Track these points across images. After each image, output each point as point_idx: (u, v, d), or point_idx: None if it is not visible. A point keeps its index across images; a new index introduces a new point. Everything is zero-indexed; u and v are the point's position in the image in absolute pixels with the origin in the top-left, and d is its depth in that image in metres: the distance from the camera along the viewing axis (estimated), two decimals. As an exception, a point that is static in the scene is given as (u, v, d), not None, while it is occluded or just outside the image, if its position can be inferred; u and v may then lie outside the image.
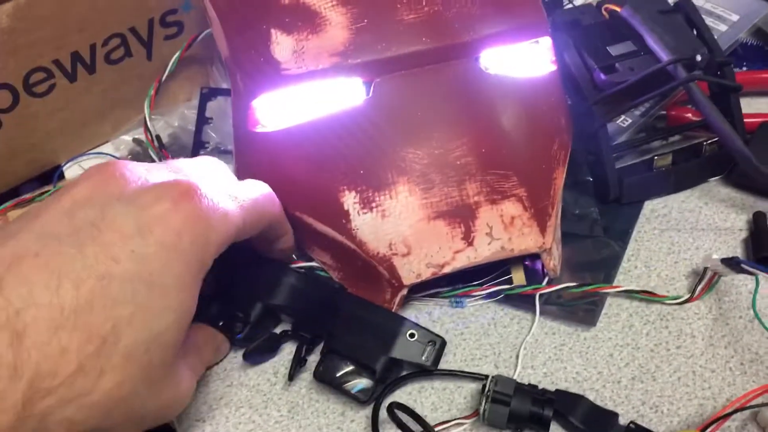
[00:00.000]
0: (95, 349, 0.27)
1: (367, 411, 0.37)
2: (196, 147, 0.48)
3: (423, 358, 0.37)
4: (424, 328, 0.37)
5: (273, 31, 0.40)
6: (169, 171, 0.34)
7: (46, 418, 0.27)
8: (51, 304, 0.27)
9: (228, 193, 0.34)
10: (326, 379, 0.36)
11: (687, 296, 0.41)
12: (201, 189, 0.32)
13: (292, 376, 0.37)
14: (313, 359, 0.38)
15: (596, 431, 0.34)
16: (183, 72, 0.51)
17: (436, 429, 0.35)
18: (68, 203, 0.31)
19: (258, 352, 0.38)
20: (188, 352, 0.34)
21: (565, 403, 0.35)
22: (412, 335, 0.37)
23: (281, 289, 0.39)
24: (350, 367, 0.36)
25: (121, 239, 0.29)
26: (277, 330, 0.40)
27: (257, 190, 0.37)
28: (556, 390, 0.36)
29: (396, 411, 0.35)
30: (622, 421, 0.35)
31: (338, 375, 0.36)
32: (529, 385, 0.36)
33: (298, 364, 0.37)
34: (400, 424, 0.34)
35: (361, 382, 0.36)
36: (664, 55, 0.45)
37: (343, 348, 0.37)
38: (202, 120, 0.48)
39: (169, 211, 0.30)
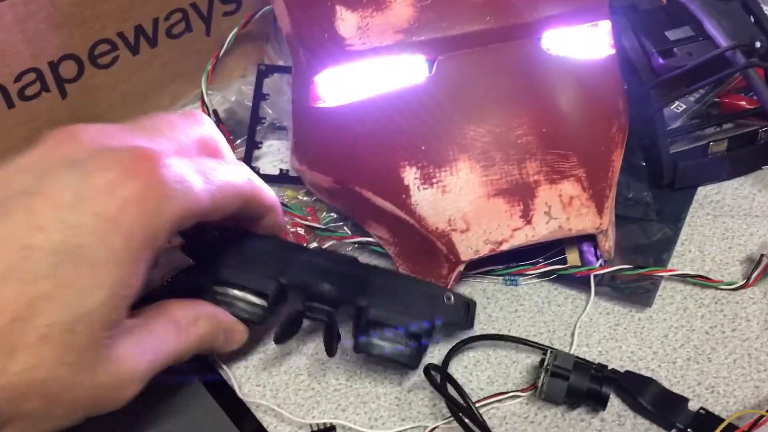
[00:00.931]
0: (6, 324, 0.25)
1: (426, 382, 0.37)
2: (253, 122, 0.49)
3: (463, 318, 0.37)
4: (455, 292, 0.37)
5: (338, 7, 0.40)
6: (139, 135, 0.31)
7: None
8: None
9: (199, 168, 0.31)
10: (368, 351, 0.36)
11: (742, 282, 0.41)
12: (163, 158, 0.29)
13: (333, 352, 0.36)
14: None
15: (666, 414, 0.35)
16: (239, 48, 0.51)
17: (492, 400, 0.36)
18: (10, 171, 0.28)
19: (288, 335, 0.37)
20: (142, 332, 0.31)
21: (634, 384, 0.36)
22: (449, 298, 0.37)
23: (297, 267, 0.36)
24: (390, 337, 0.36)
25: (52, 207, 0.26)
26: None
27: (234, 170, 0.34)
28: (626, 371, 0.37)
29: (432, 372, 0.36)
30: (692, 406, 0.35)
31: (380, 346, 0.35)
32: (598, 364, 0.36)
33: (334, 340, 0.36)
34: (432, 380, 0.35)
35: (405, 350, 0.36)
36: (722, 41, 0.45)
37: (381, 318, 0.35)
38: (259, 96, 0.49)
39: (117, 178, 0.27)
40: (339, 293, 0.36)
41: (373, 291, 0.36)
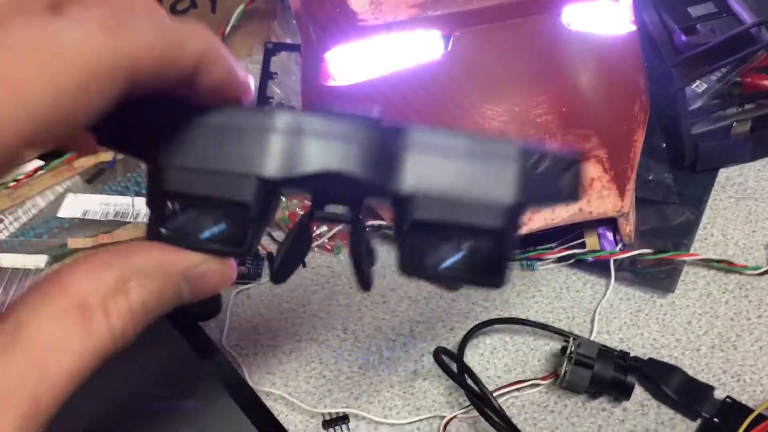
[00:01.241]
0: None
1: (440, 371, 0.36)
2: (261, 102, 0.47)
3: (563, 192, 0.21)
4: (543, 146, 0.21)
5: (349, -20, 0.38)
6: None
7: None
8: None
9: (22, 55, 0.15)
10: (420, 270, 0.21)
11: (767, 267, 0.39)
12: None
13: (368, 282, 0.23)
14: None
15: (691, 403, 0.34)
16: (245, 26, 0.50)
17: (510, 388, 0.35)
18: None
19: (292, 263, 0.24)
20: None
21: (658, 372, 0.35)
22: (536, 164, 0.20)
23: (286, 146, 0.20)
24: (453, 243, 0.21)
25: None
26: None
27: (89, 28, 0.16)
28: (649, 359, 0.35)
29: (444, 358, 0.34)
30: (717, 394, 0.34)
31: (439, 258, 0.21)
32: (620, 351, 0.35)
33: (364, 258, 0.23)
34: (444, 367, 0.34)
35: (481, 258, 0.21)
36: (747, 17, 0.43)
37: (435, 213, 0.20)
38: (266, 75, 0.47)
39: None
40: (361, 176, 0.20)
41: (414, 167, 0.20)
